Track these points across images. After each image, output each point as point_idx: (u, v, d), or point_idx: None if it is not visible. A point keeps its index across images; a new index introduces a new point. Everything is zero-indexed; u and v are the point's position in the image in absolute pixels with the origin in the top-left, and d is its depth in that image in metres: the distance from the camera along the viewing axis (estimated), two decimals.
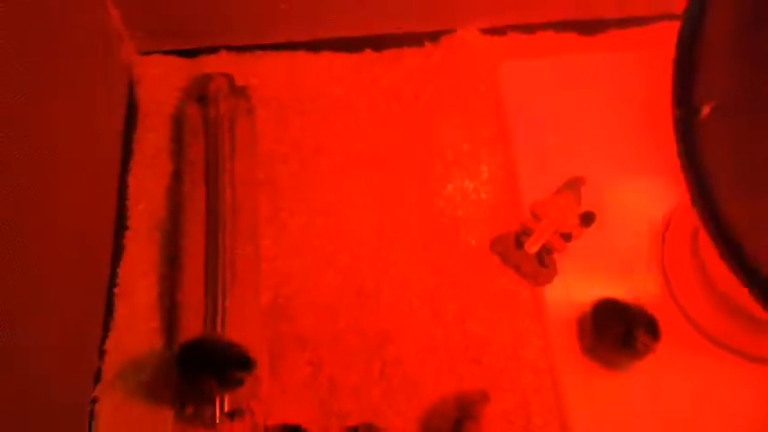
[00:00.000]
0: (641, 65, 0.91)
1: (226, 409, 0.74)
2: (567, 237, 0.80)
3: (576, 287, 0.80)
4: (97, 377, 0.78)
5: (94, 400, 0.77)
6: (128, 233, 0.86)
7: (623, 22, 0.98)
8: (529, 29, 0.98)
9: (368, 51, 0.97)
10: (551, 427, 0.74)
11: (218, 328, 0.77)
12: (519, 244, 0.81)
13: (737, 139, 0.53)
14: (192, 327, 0.78)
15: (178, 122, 0.92)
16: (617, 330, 0.72)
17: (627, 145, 0.88)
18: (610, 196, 0.85)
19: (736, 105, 0.50)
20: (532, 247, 0.80)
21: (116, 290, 0.83)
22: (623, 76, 0.91)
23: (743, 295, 0.73)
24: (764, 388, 0.76)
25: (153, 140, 0.92)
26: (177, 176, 0.88)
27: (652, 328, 0.72)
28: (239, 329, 0.78)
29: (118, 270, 0.84)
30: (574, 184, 0.83)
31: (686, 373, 0.76)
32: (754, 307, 0.73)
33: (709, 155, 0.53)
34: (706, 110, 0.54)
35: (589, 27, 0.98)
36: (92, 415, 0.76)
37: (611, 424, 0.74)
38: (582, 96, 0.91)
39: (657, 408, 0.75)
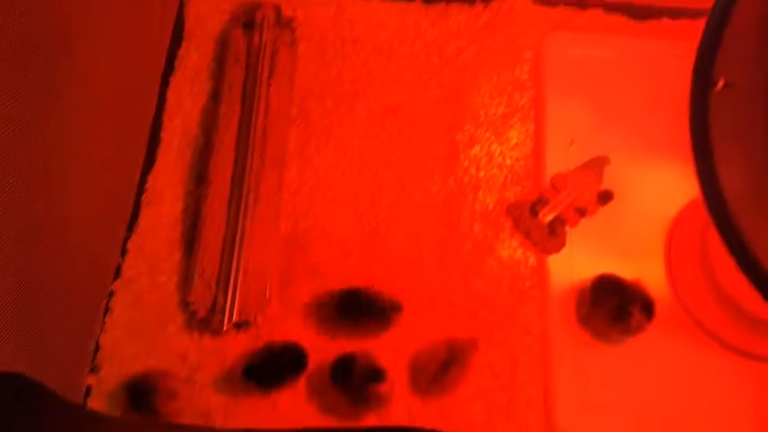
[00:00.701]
0: (686, 57, 0.91)
1: (234, 319, 0.79)
2: (581, 211, 0.83)
3: (582, 261, 0.82)
4: (117, 273, 0.83)
5: (112, 294, 0.82)
6: (161, 145, 0.90)
7: (676, 12, 0.97)
8: (580, 5, 0.98)
9: (417, 3, 0.97)
10: (535, 386, 0.78)
11: (237, 246, 0.82)
12: (534, 212, 0.83)
13: (749, 123, 0.54)
14: (212, 241, 0.83)
15: (222, 45, 0.94)
16: (613, 303, 0.75)
17: (657, 134, 0.88)
18: (631, 180, 0.86)
19: (753, 88, 0.51)
20: (546, 216, 0.82)
21: (144, 197, 0.87)
22: (666, 65, 0.91)
23: (746, 297, 0.76)
24: (754, 384, 0.78)
25: (195, 60, 0.94)
26: (214, 97, 0.91)
27: (647, 308, 0.74)
28: (255, 250, 0.82)
29: (148, 177, 0.88)
30: (597, 163, 0.85)
31: (676, 358, 0.79)
32: (758, 308, 0.75)
33: (719, 131, 0.54)
34: (721, 83, 0.54)
35: (640, 12, 0.97)
36: (107, 307, 0.82)
37: (593, 393, 0.78)
38: (622, 79, 0.91)
39: (641, 386, 0.78)
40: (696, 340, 0.80)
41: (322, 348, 0.78)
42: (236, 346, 0.79)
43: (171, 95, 0.92)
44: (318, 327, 0.80)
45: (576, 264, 0.82)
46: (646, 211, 0.85)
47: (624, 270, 0.79)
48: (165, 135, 0.90)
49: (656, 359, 0.79)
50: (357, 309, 0.78)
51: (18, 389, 0.53)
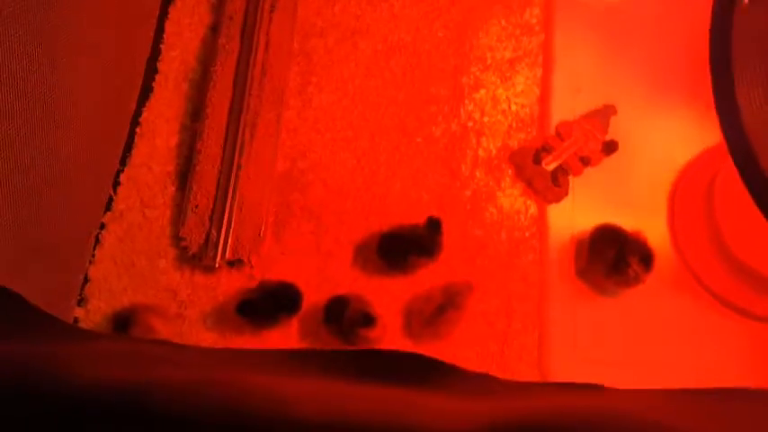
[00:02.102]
0: (700, 7, 0.88)
1: (227, 256, 0.77)
2: (585, 161, 0.81)
3: (583, 211, 0.81)
4: (108, 206, 0.81)
5: (102, 227, 0.80)
6: (157, 77, 0.87)
7: None
8: None
9: None
10: (529, 335, 0.77)
11: (232, 183, 0.80)
12: (537, 159, 0.82)
13: None
14: (206, 176, 0.81)
15: None
16: (611, 253, 0.74)
17: (667, 86, 0.86)
18: (637, 131, 0.84)
19: None
20: (550, 164, 0.80)
21: (138, 129, 0.85)
22: (680, 15, 0.88)
23: (751, 253, 0.75)
24: (749, 342, 0.78)
25: None
26: (214, 30, 0.88)
27: (646, 259, 0.73)
28: (250, 187, 0.80)
29: (143, 110, 0.85)
30: (604, 112, 0.83)
31: (672, 313, 0.79)
32: (763, 265, 0.74)
33: (740, 51, 0.52)
34: None
35: None
36: (97, 240, 0.80)
37: (588, 345, 0.77)
38: (634, 28, 0.89)
39: (636, 340, 0.78)
40: (694, 295, 0.79)
41: (315, 290, 0.77)
42: (229, 284, 0.78)
43: (169, 26, 0.89)
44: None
45: (577, 214, 0.81)
46: (651, 163, 0.84)
47: (626, 222, 0.78)
48: (163, 66, 0.87)
49: (653, 313, 0.78)
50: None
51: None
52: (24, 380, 0.39)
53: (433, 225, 0.76)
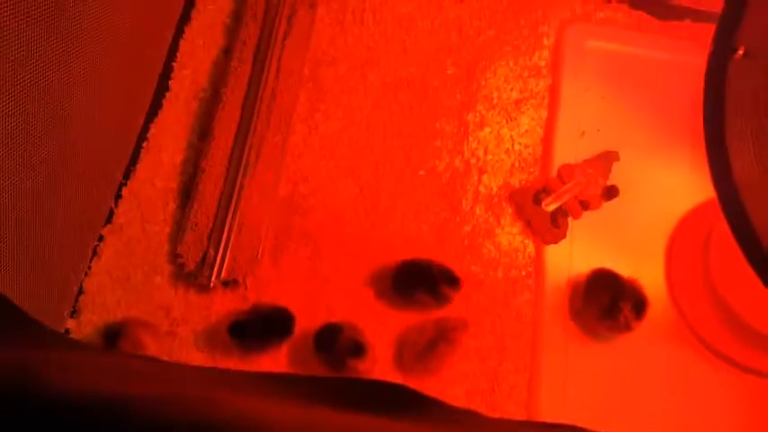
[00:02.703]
0: (704, 60, 0.90)
1: (223, 276, 0.77)
2: (585, 204, 0.81)
3: (580, 255, 0.81)
4: (108, 219, 0.82)
5: (101, 239, 0.80)
6: (168, 94, 0.88)
7: (699, 15, 0.96)
8: None
9: None
10: (520, 375, 0.77)
11: (233, 203, 0.80)
12: (537, 200, 0.82)
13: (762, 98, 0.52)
14: (208, 195, 0.81)
15: (241, 1, 0.92)
16: (605, 298, 0.74)
17: (670, 134, 0.87)
18: (638, 179, 0.85)
19: None
20: (549, 205, 0.81)
21: (144, 144, 0.86)
22: (685, 67, 0.89)
23: (746, 307, 0.75)
24: (742, 395, 0.77)
25: (213, 11, 0.93)
26: (227, 52, 0.90)
27: (639, 306, 0.73)
28: (251, 208, 0.81)
29: (150, 125, 0.86)
30: (607, 158, 0.84)
31: (665, 362, 0.78)
32: (756, 320, 0.74)
33: (733, 102, 0.53)
34: (741, 51, 0.53)
35: (664, 11, 0.96)
36: (94, 252, 0.80)
37: (578, 389, 0.77)
38: (640, 76, 0.90)
39: (626, 387, 0.77)
40: (687, 346, 0.79)
41: (309, 316, 0.77)
42: (222, 305, 0.78)
43: (184, 45, 0.90)
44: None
45: (574, 257, 0.81)
46: (650, 211, 0.84)
47: (622, 267, 0.78)
48: (174, 84, 0.89)
49: (645, 361, 0.78)
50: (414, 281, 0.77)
51: None
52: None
53: (453, 281, 0.76)
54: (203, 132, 0.86)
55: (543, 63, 0.92)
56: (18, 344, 0.50)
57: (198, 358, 0.76)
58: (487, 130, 0.88)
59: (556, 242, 0.81)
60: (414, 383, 0.75)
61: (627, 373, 0.78)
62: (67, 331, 0.76)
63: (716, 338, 0.78)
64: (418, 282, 0.76)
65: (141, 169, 0.84)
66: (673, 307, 0.80)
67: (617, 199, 0.83)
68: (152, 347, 0.74)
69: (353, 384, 0.57)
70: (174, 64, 0.89)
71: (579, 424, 0.75)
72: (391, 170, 0.86)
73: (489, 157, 0.87)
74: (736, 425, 0.77)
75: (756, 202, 0.53)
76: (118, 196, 0.82)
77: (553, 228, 0.81)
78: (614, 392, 0.77)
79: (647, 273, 0.80)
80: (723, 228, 0.76)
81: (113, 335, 0.74)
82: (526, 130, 0.88)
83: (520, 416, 0.76)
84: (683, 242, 0.82)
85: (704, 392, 0.78)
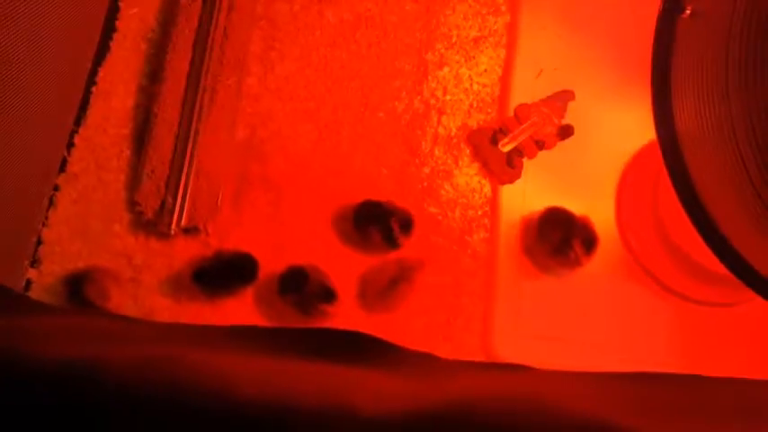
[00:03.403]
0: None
1: (183, 223, 0.77)
2: (540, 144, 0.83)
3: (534, 194, 0.83)
4: (62, 167, 0.80)
5: (56, 188, 0.79)
6: (115, 35, 0.84)
7: None
8: None
9: None
10: (475, 308, 0.80)
11: (189, 148, 0.79)
12: (494, 141, 0.83)
13: (706, 58, 0.54)
14: (163, 141, 0.80)
15: None
16: (557, 235, 0.77)
17: (626, 76, 0.88)
18: (593, 118, 0.86)
19: (717, 23, 0.51)
20: (506, 146, 0.82)
21: (94, 88, 0.82)
22: (646, 11, 0.89)
23: (692, 243, 0.79)
24: (685, 323, 0.82)
25: None
26: None
27: (588, 243, 0.77)
28: (209, 154, 0.80)
29: (99, 69, 0.83)
30: (563, 97, 0.84)
31: (613, 295, 0.83)
32: (702, 256, 0.78)
33: (679, 60, 0.55)
34: (689, 10, 0.54)
35: None
36: (50, 202, 0.79)
37: (530, 321, 0.81)
38: (598, 16, 0.89)
39: (576, 319, 0.82)
40: (635, 280, 0.83)
41: (272, 260, 0.78)
42: (185, 252, 0.79)
43: None
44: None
45: (528, 195, 0.83)
46: (604, 150, 0.86)
47: (574, 205, 0.81)
48: (121, 24, 0.84)
49: (595, 294, 0.82)
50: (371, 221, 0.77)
51: None
52: None
53: (406, 227, 0.78)
54: (154, 75, 0.83)
55: (502, 1, 0.90)
56: None
57: (163, 304, 0.77)
58: (446, 69, 0.88)
59: (511, 182, 0.83)
60: (376, 319, 0.80)
61: (577, 305, 0.82)
62: (29, 282, 0.76)
63: (662, 272, 0.83)
64: (374, 221, 0.78)
65: (92, 116, 0.81)
66: (622, 243, 0.84)
67: (572, 138, 0.85)
68: (117, 295, 0.75)
69: (314, 334, 0.60)
70: (120, 3, 0.84)
71: (530, 353, 0.81)
72: (351, 112, 0.85)
73: (448, 97, 0.87)
74: (679, 349, 0.83)
75: (693, 148, 0.55)
76: (70, 144, 0.80)
77: (509, 168, 0.82)
78: (564, 323, 0.82)
79: (599, 211, 0.84)
80: None
81: (77, 282, 0.74)
82: (485, 70, 0.88)
83: (475, 345, 0.81)
84: (632, 180, 0.85)
85: (649, 322, 0.83)
